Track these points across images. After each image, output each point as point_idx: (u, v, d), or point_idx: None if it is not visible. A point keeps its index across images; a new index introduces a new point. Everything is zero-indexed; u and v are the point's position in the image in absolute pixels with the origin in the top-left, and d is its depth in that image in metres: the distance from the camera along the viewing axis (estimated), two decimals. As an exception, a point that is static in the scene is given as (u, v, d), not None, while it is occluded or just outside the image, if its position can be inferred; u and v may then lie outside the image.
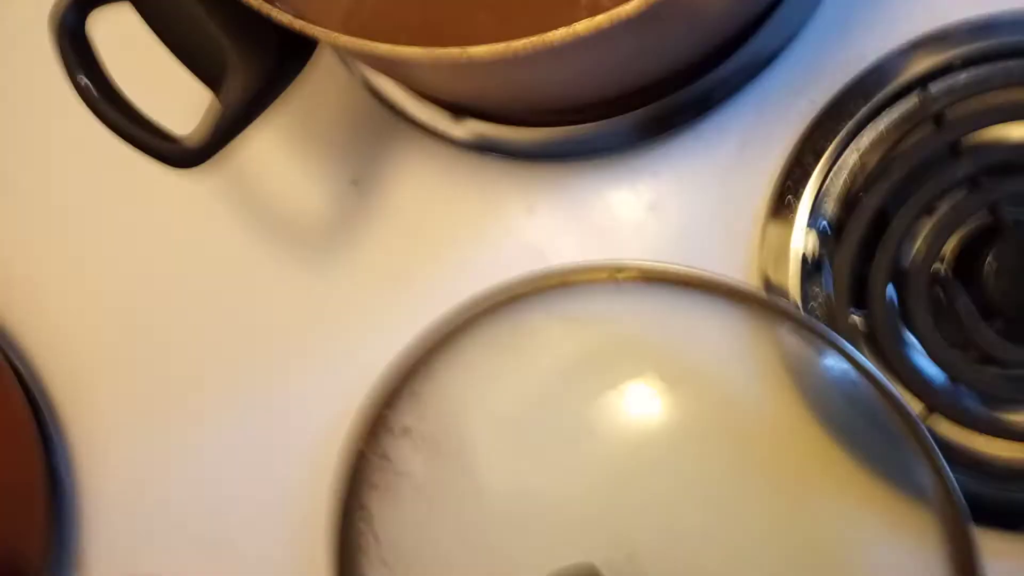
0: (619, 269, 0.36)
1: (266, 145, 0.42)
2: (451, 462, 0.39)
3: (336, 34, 0.29)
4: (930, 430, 0.34)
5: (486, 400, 0.39)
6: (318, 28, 0.29)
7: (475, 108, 0.39)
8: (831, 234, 0.37)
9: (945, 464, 0.33)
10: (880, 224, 0.36)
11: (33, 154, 0.44)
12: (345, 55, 0.41)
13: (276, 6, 0.29)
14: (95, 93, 0.31)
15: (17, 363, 0.43)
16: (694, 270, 0.36)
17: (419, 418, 0.39)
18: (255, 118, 0.32)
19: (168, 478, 0.42)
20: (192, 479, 0.42)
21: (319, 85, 0.41)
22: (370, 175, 0.42)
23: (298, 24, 0.29)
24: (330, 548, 0.39)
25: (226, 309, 0.42)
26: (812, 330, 0.35)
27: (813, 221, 0.37)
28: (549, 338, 0.39)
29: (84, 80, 0.31)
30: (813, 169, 0.37)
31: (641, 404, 0.39)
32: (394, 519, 0.39)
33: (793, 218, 0.37)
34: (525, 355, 0.40)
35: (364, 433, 0.39)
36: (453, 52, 0.27)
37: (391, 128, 0.42)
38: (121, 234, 0.43)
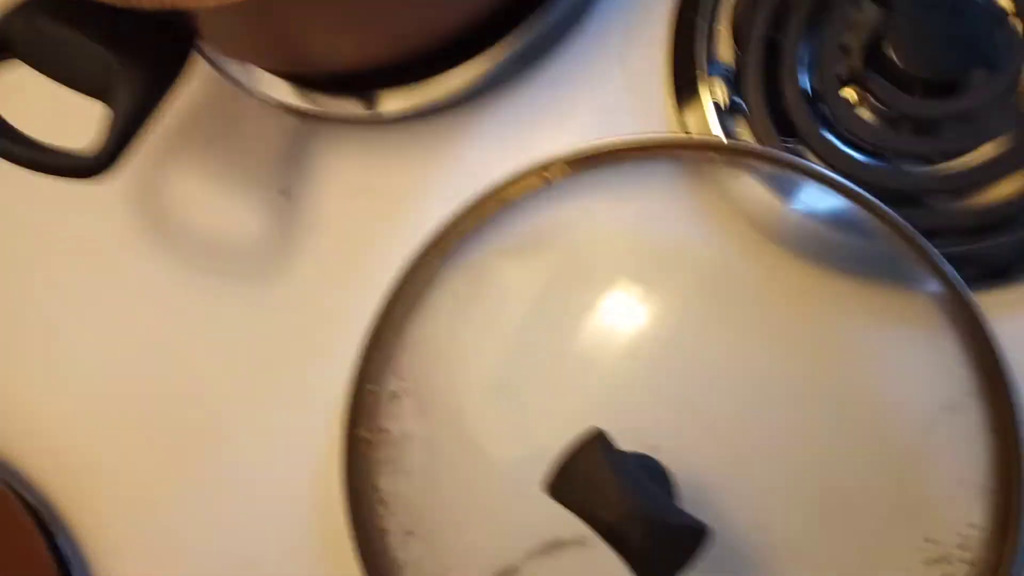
0: (545, 167, 0.37)
1: (191, 182, 0.43)
2: (447, 412, 0.38)
3: None
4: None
5: (465, 346, 0.39)
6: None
7: (367, 70, 0.40)
8: (735, 76, 0.37)
9: (948, 266, 0.33)
10: (776, 53, 0.37)
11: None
12: (214, 53, 0.42)
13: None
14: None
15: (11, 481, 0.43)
16: (622, 137, 0.36)
17: (403, 379, 0.38)
18: (148, 117, 0.33)
19: (174, 534, 0.41)
20: (198, 524, 0.41)
21: (220, 110, 0.43)
22: (296, 180, 0.42)
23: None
24: (354, 541, 0.37)
25: (185, 355, 0.42)
26: (782, 162, 0.34)
27: (714, 69, 0.38)
28: (505, 274, 0.39)
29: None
30: (696, 23, 0.38)
31: (621, 308, 0.38)
32: (407, 486, 0.38)
33: (697, 73, 0.38)
34: (488, 299, 0.39)
35: (356, 416, 0.38)
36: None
37: (303, 130, 0.42)
38: (54, 311, 0.44)
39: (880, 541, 0.33)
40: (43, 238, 0.44)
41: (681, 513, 0.31)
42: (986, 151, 0.36)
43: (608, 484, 0.30)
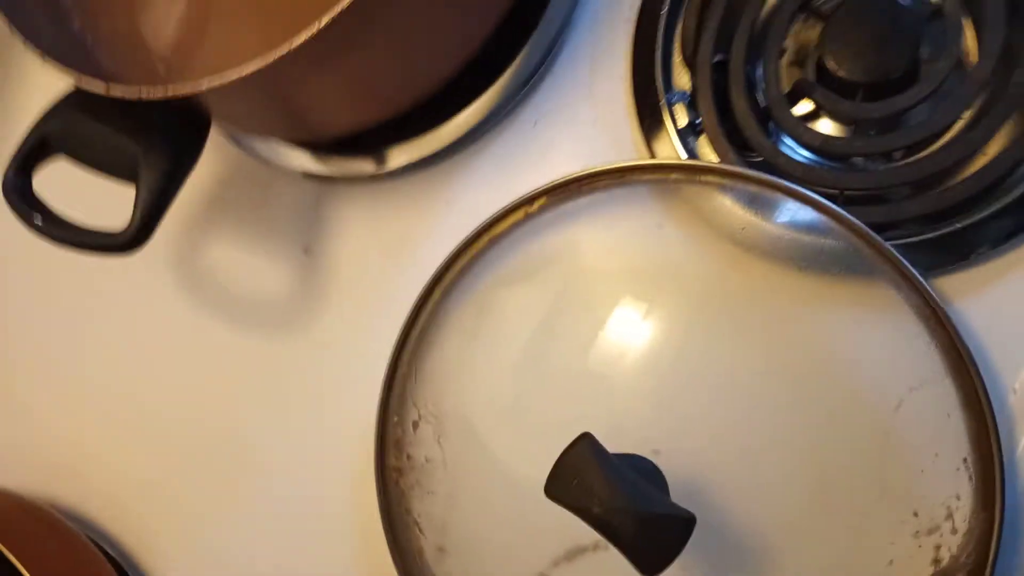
0: (527, 200, 0.40)
1: (224, 248, 0.48)
2: (465, 434, 0.41)
3: (206, 82, 0.35)
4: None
5: (475, 372, 0.42)
6: (187, 86, 0.35)
7: (371, 130, 0.45)
8: (693, 100, 0.40)
9: (902, 259, 0.35)
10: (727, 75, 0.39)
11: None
12: (237, 133, 0.47)
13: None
14: (44, 226, 0.38)
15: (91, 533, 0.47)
16: (593, 167, 0.39)
17: (423, 408, 0.42)
18: (172, 194, 0.38)
19: (232, 567, 0.45)
20: (254, 556, 0.45)
21: (245, 181, 0.47)
22: (316, 237, 0.47)
23: (170, 92, 0.35)
24: (396, 563, 0.41)
25: (231, 404, 0.47)
26: (735, 176, 0.37)
27: (672, 96, 0.41)
28: (504, 304, 0.42)
29: (36, 219, 0.38)
30: (655, 53, 0.41)
31: (612, 325, 0.41)
32: (436, 507, 0.41)
33: (659, 101, 0.41)
34: (491, 327, 0.42)
35: (384, 446, 0.42)
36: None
37: (321, 192, 0.47)
38: (112, 372, 0.49)
39: (868, 519, 0.35)
40: (96, 304, 0.49)
41: (667, 504, 0.33)
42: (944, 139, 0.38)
43: (596, 481, 0.33)
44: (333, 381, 0.46)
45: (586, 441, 0.34)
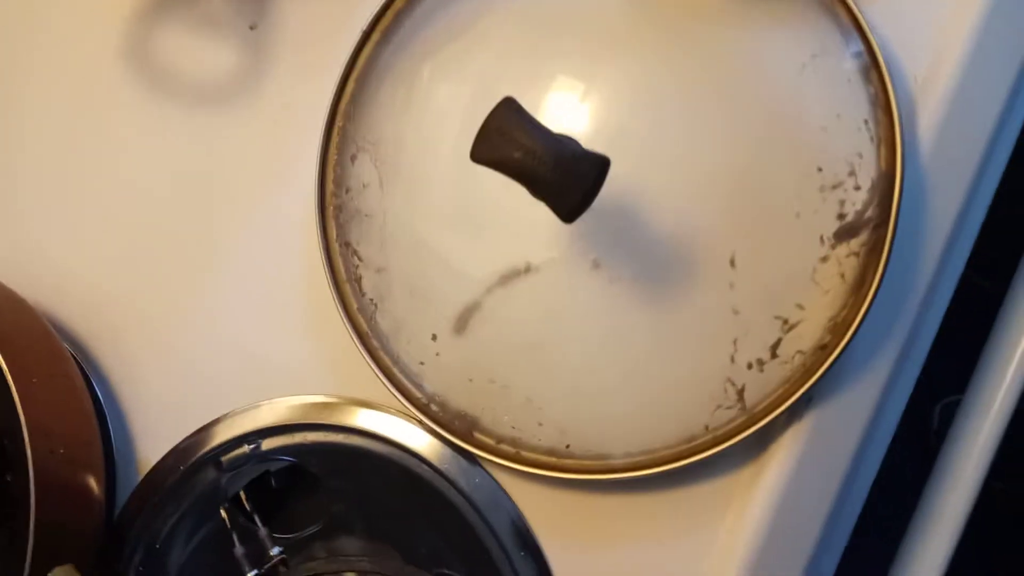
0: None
1: (170, 37, 0.50)
2: (401, 163, 0.43)
3: None
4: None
5: (414, 110, 0.44)
6: None
7: None
8: None
9: None
10: None
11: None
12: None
13: None
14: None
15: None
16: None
17: (361, 141, 0.43)
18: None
19: (180, 333, 0.47)
20: (201, 326, 0.47)
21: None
22: (261, 15, 0.49)
23: None
24: (334, 291, 0.42)
25: (184, 182, 0.48)
26: None
27: None
28: (444, 54, 0.44)
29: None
30: None
31: (546, 57, 0.43)
32: (372, 230, 0.42)
33: None
34: (431, 74, 0.44)
35: (324, 182, 0.43)
36: None
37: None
38: (64, 158, 0.50)
39: (775, 175, 0.37)
40: (59, 100, 0.51)
41: (583, 148, 0.35)
42: None
43: (517, 131, 0.34)
44: (284, 147, 0.47)
45: (508, 101, 0.35)
